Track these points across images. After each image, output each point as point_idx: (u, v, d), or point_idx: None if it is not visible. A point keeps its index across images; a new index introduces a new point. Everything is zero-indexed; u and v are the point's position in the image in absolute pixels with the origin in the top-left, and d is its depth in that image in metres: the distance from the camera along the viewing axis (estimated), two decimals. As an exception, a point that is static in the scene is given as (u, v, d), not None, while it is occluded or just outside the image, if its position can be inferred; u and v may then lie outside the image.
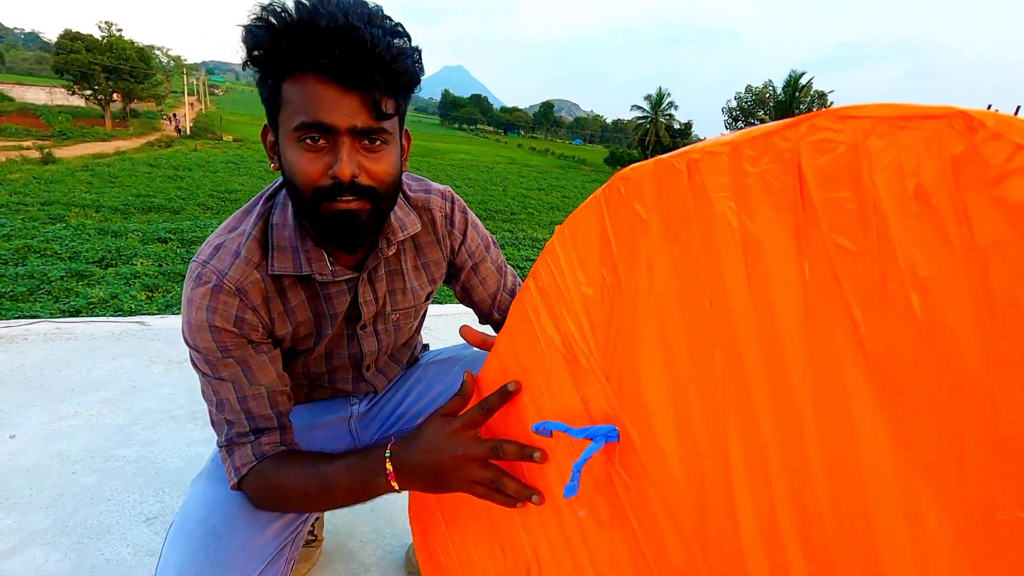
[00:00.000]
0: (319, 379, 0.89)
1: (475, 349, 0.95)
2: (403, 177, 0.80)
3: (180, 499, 1.11)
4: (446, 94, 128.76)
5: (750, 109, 39.38)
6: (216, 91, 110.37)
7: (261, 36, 0.60)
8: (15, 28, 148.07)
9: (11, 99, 44.43)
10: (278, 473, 0.72)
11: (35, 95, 48.63)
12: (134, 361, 1.48)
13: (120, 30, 42.05)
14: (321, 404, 0.94)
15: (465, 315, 2.37)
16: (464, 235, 0.88)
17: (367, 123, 0.62)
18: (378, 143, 0.65)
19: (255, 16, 0.60)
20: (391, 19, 0.62)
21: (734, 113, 40.54)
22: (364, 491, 0.70)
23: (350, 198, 0.64)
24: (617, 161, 53.33)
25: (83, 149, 26.98)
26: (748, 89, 39.70)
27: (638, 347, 0.51)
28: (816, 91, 37.85)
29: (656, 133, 49.01)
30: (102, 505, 1.06)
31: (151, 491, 1.11)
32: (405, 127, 0.73)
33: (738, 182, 0.44)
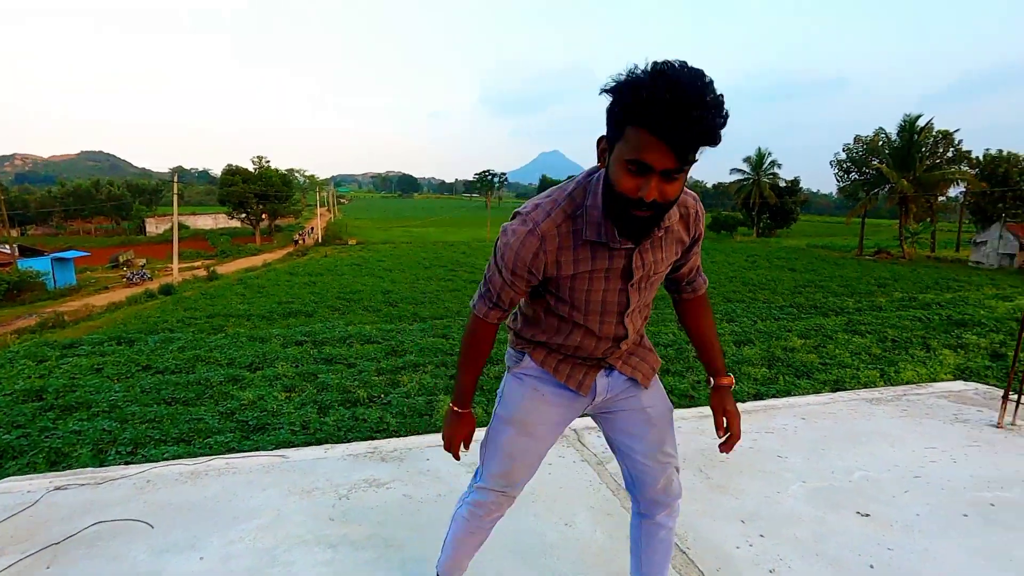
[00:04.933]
0: (589, 318, 1.22)
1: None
2: None
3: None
4: (544, 179, 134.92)
5: (862, 159, 37.00)
6: (343, 200, 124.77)
7: (630, 97, 0.90)
8: (191, 168, 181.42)
9: (187, 227, 53.79)
10: (480, 330, 1.25)
11: (204, 222, 58.51)
12: (278, 491, 1.93)
13: (268, 161, 50.12)
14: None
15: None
16: (702, 225, 1.23)
17: (670, 167, 0.92)
18: (675, 177, 0.95)
19: (632, 78, 0.91)
20: (717, 99, 0.89)
21: (844, 165, 38.29)
22: (456, 388, 1.33)
23: (646, 210, 0.97)
24: (721, 225, 51.71)
25: (239, 264, 31.72)
26: (857, 139, 37.54)
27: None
28: (939, 131, 34.83)
29: (760, 193, 47.28)
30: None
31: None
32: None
33: None
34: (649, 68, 0.90)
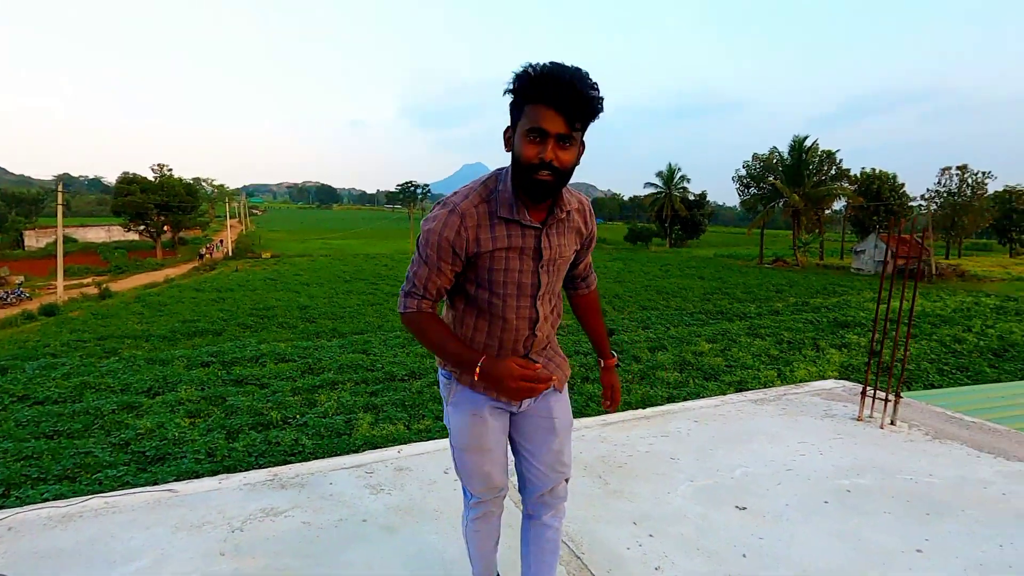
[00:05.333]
0: (507, 302, 1.32)
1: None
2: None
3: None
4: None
5: (760, 175, 40.27)
6: (256, 211, 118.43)
7: (525, 80, 1.12)
8: (80, 176, 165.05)
9: (75, 240, 48.80)
10: (422, 320, 1.29)
11: (95, 234, 53.33)
12: (164, 529, 1.81)
13: (171, 170, 46.63)
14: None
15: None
16: (593, 224, 1.43)
17: (562, 131, 1.12)
18: (567, 144, 1.15)
19: (524, 68, 1.13)
20: (592, 81, 1.13)
21: (744, 180, 41.49)
22: (455, 365, 1.31)
23: (547, 173, 1.15)
24: (637, 237, 54.18)
25: (137, 280, 29.19)
26: (755, 157, 40.83)
27: None
28: (823, 151, 38.62)
29: (672, 206, 50.07)
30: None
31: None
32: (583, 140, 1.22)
33: None
34: (538, 63, 1.14)
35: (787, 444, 2.46)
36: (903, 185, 40.56)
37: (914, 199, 41.51)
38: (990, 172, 39.48)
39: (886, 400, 2.66)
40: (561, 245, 1.33)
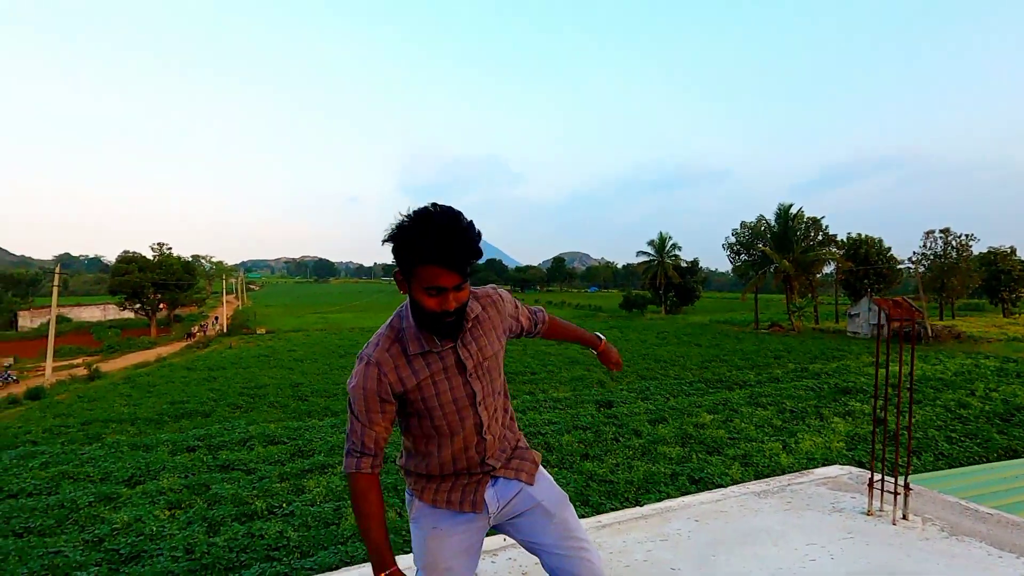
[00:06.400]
0: (448, 420, 1.34)
1: None
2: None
3: None
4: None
5: (749, 242, 41.11)
6: (253, 287, 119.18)
7: (412, 246, 1.18)
8: (80, 255, 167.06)
9: (69, 320, 48.59)
10: (359, 488, 1.29)
11: (90, 313, 53.23)
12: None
13: (170, 248, 47.30)
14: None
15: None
16: (511, 303, 1.50)
17: (457, 283, 1.20)
18: (462, 287, 1.22)
19: (408, 229, 1.18)
20: (472, 229, 1.19)
21: (734, 247, 42.29)
22: (370, 552, 1.27)
23: (450, 317, 1.23)
24: (632, 304, 54.43)
25: (128, 360, 28.77)
26: (743, 224, 41.86)
27: None
28: (809, 217, 39.67)
29: (665, 274, 50.69)
30: None
31: None
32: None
33: None
34: (412, 215, 1.18)
35: (794, 546, 2.31)
36: (889, 248, 41.42)
37: (901, 261, 42.22)
38: (972, 234, 40.48)
39: (895, 492, 2.52)
40: (482, 348, 1.37)
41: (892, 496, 2.56)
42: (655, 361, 23.18)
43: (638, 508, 2.68)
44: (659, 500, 8.57)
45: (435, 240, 1.15)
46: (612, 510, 7.84)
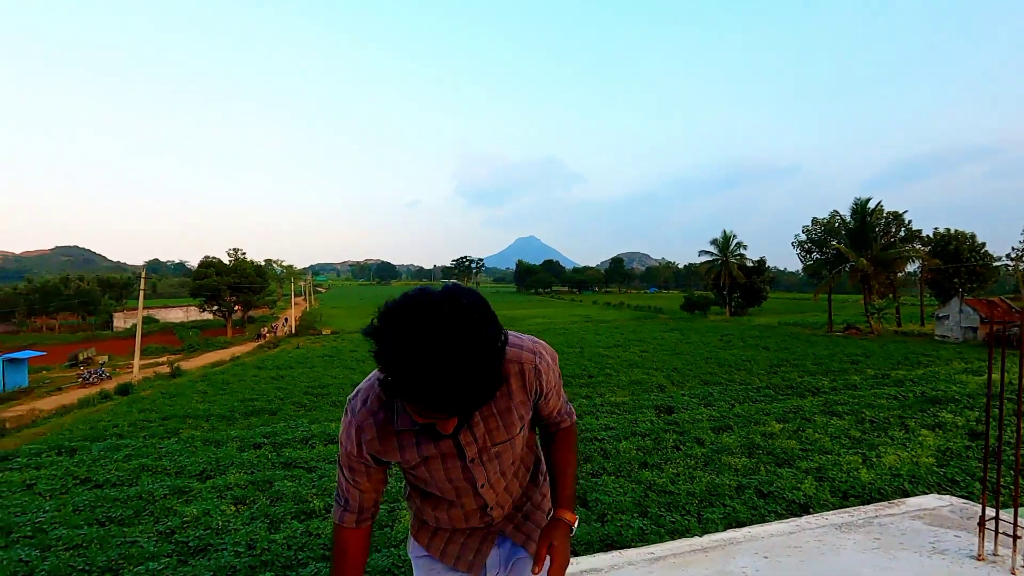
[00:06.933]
0: (446, 496, 1.20)
1: None
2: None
3: None
4: (520, 264, 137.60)
5: (822, 239, 38.66)
6: (320, 289, 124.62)
7: (390, 385, 0.88)
8: (167, 261, 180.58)
9: (156, 320, 52.48)
10: (339, 542, 1.20)
11: (175, 315, 57.28)
12: None
13: (244, 253, 50.16)
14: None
15: None
16: (547, 376, 1.17)
17: (454, 418, 0.95)
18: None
19: (387, 363, 0.86)
20: (453, 356, 0.83)
21: (805, 245, 39.88)
22: None
23: (448, 435, 1.04)
24: (694, 306, 52.57)
25: (206, 359, 30.64)
26: (815, 221, 39.41)
27: None
28: (889, 212, 36.82)
29: (729, 273, 48.60)
30: None
31: None
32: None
33: None
34: (387, 333, 0.85)
35: (888, 594, 1.96)
36: (983, 244, 37.77)
37: (998, 259, 38.42)
38: (1082, 227, 36.27)
39: (1015, 536, 2.11)
40: (490, 432, 1.12)
41: (1011, 540, 2.15)
42: (718, 365, 22.17)
43: (697, 539, 2.39)
44: (723, 513, 8.06)
45: (410, 387, 0.85)
46: (672, 523, 7.43)
